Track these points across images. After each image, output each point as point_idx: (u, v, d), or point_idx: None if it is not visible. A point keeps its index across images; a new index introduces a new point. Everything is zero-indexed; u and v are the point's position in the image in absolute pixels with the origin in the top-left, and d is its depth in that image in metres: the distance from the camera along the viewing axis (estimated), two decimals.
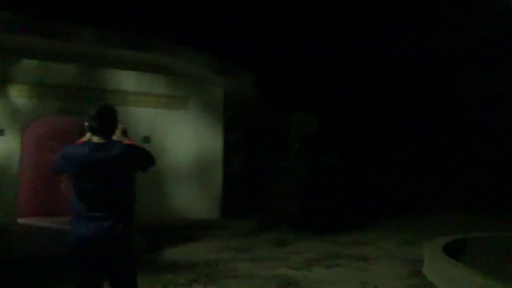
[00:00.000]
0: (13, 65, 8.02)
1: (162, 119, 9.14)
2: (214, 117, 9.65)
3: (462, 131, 13.26)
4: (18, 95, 8.02)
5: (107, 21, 9.58)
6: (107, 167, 2.53)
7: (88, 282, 2.56)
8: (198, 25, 13.56)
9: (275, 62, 13.72)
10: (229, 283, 4.74)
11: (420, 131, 14.01)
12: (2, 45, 7.86)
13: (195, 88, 9.50)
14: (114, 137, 2.73)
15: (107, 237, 2.51)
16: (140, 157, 2.71)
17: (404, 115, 14.20)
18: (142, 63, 8.89)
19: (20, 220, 7.90)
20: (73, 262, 2.57)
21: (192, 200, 9.18)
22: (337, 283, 4.78)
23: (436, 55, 13.66)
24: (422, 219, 10.46)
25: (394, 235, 8.20)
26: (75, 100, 8.31)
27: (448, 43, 12.99)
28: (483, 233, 6.91)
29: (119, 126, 2.78)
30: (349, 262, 5.83)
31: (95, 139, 2.59)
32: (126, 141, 2.79)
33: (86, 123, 2.63)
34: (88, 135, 2.68)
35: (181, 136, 9.27)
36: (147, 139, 8.76)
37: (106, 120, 2.62)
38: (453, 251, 5.33)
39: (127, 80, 8.88)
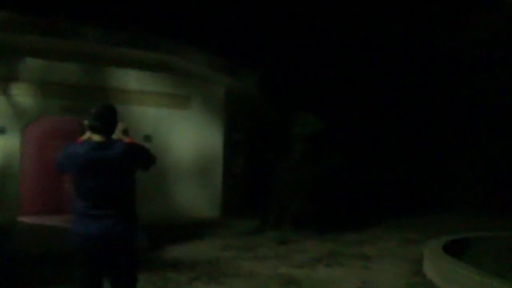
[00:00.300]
0: (15, 63, 8.04)
1: (164, 118, 9.16)
2: (216, 116, 9.66)
3: (465, 131, 13.23)
4: (20, 94, 8.04)
5: (110, 20, 9.58)
6: (108, 165, 2.54)
7: (89, 279, 2.57)
8: (200, 24, 13.56)
9: (278, 61, 13.72)
10: (231, 282, 4.75)
11: (423, 130, 13.99)
12: (5, 43, 7.88)
13: (197, 87, 9.51)
14: (115, 136, 2.75)
15: (109, 236, 2.53)
16: (141, 156, 2.73)
17: (406, 114, 14.19)
18: (144, 62, 8.89)
19: (22, 219, 7.93)
20: (75, 260, 2.59)
21: (194, 199, 9.19)
22: (338, 282, 4.79)
23: (438, 54, 13.63)
24: (423, 218, 10.46)
25: (396, 235, 8.20)
26: (77, 99, 8.32)
27: (451, 42, 12.96)
28: (483, 232, 6.91)
29: (120, 125, 2.80)
30: (350, 261, 5.84)
31: (96, 137, 2.61)
32: (127, 140, 2.81)
33: (86, 122, 2.65)
34: (88, 134, 2.70)
35: (183, 135, 9.28)
36: (148, 138, 8.77)
37: (107, 119, 2.63)
38: (453, 250, 5.33)
39: (129, 79, 8.89)
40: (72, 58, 8.42)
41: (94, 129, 2.61)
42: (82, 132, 2.81)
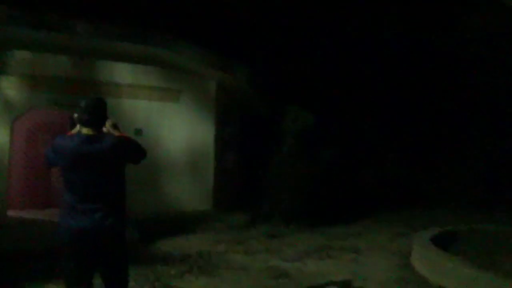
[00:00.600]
0: (3, 56, 7.91)
1: (155, 112, 9.11)
2: (207, 110, 9.64)
3: (456, 126, 13.38)
4: (8, 87, 7.93)
5: (100, 13, 9.46)
6: (97, 159, 2.53)
7: (79, 274, 2.57)
8: (192, 18, 13.47)
9: (269, 55, 13.69)
10: (222, 275, 4.78)
11: (413, 125, 14.11)
12: None
13: (189, 81, 9.47)
14: (105, 130, 2.74)
15: (98, 230, 2.52)
16: (131, 150, 2.72)
17: (398, 109, 14.28)
18: (135, 55, 8.82)
19: (11, 213, 7.85)
20: (63, 254, 2.58)
21: (185, 192, 9.18)
22: (328, 275, 4.84)
23: (435, 48, 13.70)
24: (413, 212, 10.58)
25: (386, 228, 8.29)
26: (67, 92, 8.24)
27: (447, 38, 13.03)
28: (471, 225, 7.02)
29: (110, 119, 2.78)
30: (340, 254, 5.90)
31: (85, 131, 2.59)
32: (117, 134, 2.80)
33: (76, 115, 2.64)
34: (77, 127, 2.68)
35: (174, 129, 9.25)
36: (139, 132, 8.72)
37: (96, 112, 2.62)
38: (442, 242, 5.42)
39: (120, 73, 8.82)
40: (62, 51, 8.32)
41: (83, 123, 2.60)
42: (72, 126, 2.80)
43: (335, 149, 9.67)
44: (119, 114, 8.52)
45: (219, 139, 10.05)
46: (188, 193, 9.22)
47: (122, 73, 8.85)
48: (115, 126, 2.81)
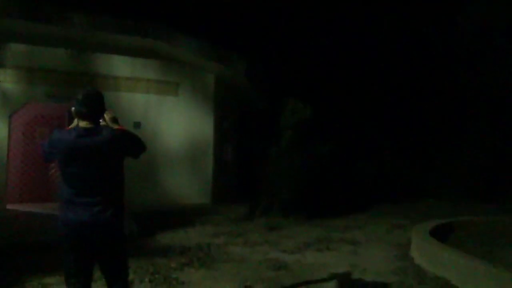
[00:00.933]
0: (0, 49, 7.85)
1: (153, 105, 9.09)
2: (205, 103, 9.61)
3: (452, 119, 13.39)
4: (6, 80, 7.89)
5: (98, 5, 9.40)
6: (95, 152, 2.51)
7: (78, 267, 2.57)
8: (190, 10, 13.37)
9: (267, 48, 13.64)
10: (222, 267, 4.79)
11: (411, 118, 14.12)
12: None
13: (187, 73, 9.43)
14: (104, 123, 2.71)
15: (96, 223, 2.51)
16: (129, 143, 2.69)
17: (395, 102, 14.28)
18: (133, 48, 8.78)
19: (9, 206, 7.85)
20: (62, 247, 2.58)
21: (184, 185, 9.19)
22: (327, 266, 4.86)
23: (433, 41, 13.67)
24: (410, 204, 10.64)
25: (384, 220, 8.34)
26: (65, 85, 8.20)
27: (447, 30, 12.99)
28: (468, 217, 7.07)
29: (110, 114, 2.75)
30: (339, 246, 5.93)
31: (83, 124, 2.57)
32: (116, 128, 2.78)
33: (73, 108, 2.60)
34: (75, 121, 2.65)
35: (172, 121, 9.23)
36: (137, 125, 8.70)
37: (93, 105, 2.59)
38: (440, 234, 5.45)
39: (117, 65, 8.77)
40: (59, 43, 8.27)
41: (81, 115, 2.57)
42: (72, 120, 2.77)
43: (333, 142, 9.68)
44: (117, 107, 8.48)
45: (218, 132, 10.04)
46: (187, 186, 9.23)
47: (120, 66, 8.80)
48: (114, 120, 2.78)
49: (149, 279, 4.27)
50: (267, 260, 5.09)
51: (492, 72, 12.20)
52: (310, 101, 9.44)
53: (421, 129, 13.88)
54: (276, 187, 8.69)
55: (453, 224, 6.44)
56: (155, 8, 12.33)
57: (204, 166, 9.50)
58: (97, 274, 2.76)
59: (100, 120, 2.67)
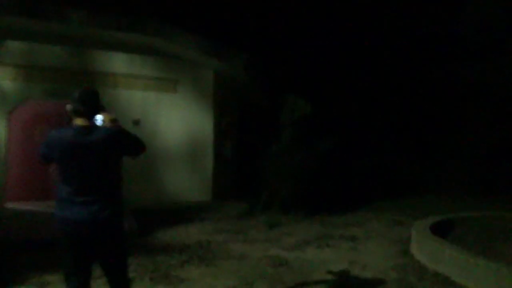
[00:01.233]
0: None
1: (152, 102, 9.06)
2: (204, 100, 9.59)
3: (455, 113, 13.37)
4: (3, 78, 7.85)
5: (96, 2, 9.33)
6: (92, 150, 2.52)
7: (77, 265, 2.58)
8: (188, 7, 13.31)
9: (267, 44, 13.58)
10: (222, 264, 4.79)
11: (410, 114, 14.10)
12: None
13: (185, 70, 9.40)
14: (103, 124, 2.71)
15: (94, 221, 2.52)
16: (126, 141, 2.69)
17: (395, 98, 14.25)
18: (131, 45, 8.74)
19: (8, 204, 7.84)
20: (61, 245, 2.59)
21: (184, 183, 9.18)
22: (328, 263, 4.86)
23: (435, 36, 13.62)
24: (410, 200, 10.63)
25: (384, 216, 8.33)
26: (63, 83, 8.17)
27: (444, 25, 12.95)
28: (468, 213, 7.06)
29: (110, 115, 2.75)
30: (339, 243, 5.93)
31: (79, 121, 2.58)
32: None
33: (69, 106, 2.60)
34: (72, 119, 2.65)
35: (171, 119, 9.21)
36: (137, 122, 8.68)
37: (90, 102, 2.61)
38: (441, 230, 5.45)
39: (116, 62, 8.74)
40: (57, 40, 8.23)
41: (77, 113, 2.58)
42: (71, 120, 2.77)
43: (333, 138, 9.65)
44: (115, 105, 8.47)
45: (218, 129, 10.02)
46: (187, 183, 9.22)
47: (118, 63, 8.77)
48: (114, 121, 2.77)
49: (149, 277, 4.27)
50: (267, 257, 5.09)
51: (492, 65, 12.18)
52: (310, 98, 9.41)
53: (420, 124, 13.87)
54: (276, 184, 8.68)
55: (453, 220, 6.43)
56: (153, 4, 12.27)
57: (204, 163, 9.49)
58: (98, 271, 2.75)
59: (100, 121, 2.67)
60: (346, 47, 14.47)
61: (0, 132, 7.77)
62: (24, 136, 8.98)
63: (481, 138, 12.62)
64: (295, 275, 4.42)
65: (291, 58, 14.07)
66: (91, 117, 2.61)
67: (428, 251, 4.77)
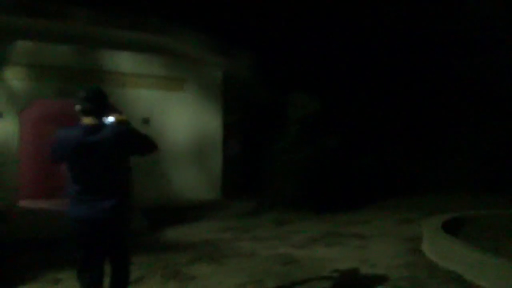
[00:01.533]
0: (6, 47, 7.89)
1: (160, 101, 9.09)
2: (212, 98, 9.60)
3: (463, 110, 13.25)
4: (14, 77, 7.93)
5: (103, 1, 9.38)
6: (101, 148, 2.54)
7: (89, 261, 2.64)
8: (195, 5, 13.32)
9: (274, 41, 13.55)
10: (231, 262, 4.81)
11: (417, 111, 13.99)
12: None
13: (193, 68, 9.41)
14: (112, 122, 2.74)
15: (102, 218, 2.56)
16: (135, 140, 2.70)
17: (401, 95, 14.15)
18: (139, 43, 8.77)
19: (21, 203, 7.93)
20: (73, 243, 2.64)
21: (192, 181, 9.22)
22: (336, 261, 4.85)
23: (437, 33, 13.51)
24: (420, 198, 10.56)
25: (393, 214, 8.29)
26: (72, 82, 8.23)
27: (453, 19, 12.81)
28: (481, 211, 7.00)
29: (121, 116, 2.78)
30: (348, 241, 5.91)
31: (87, 120, 2.60)
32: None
33: (78, 106, 2.61)
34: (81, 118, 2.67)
35: (179, 117, 9.24)
36: (146, 121, 8.73)
37: (98, 100, 2.63)
38: (452, 228, 5.41)
39: (124, 61, 8.78)
40: (67, 40, 8.29)
41: (86, 112, 2.59)
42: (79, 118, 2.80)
43: (340, 136, 9.62)
44: (123, 104, 8.51)
45: (225, 127, 10.03)
46: (196, 181, 9.26)
47: (126, 62, 8.81)
48: (124, 123, 2.78)
49: (160, 274, 4.30)
50: (276, 255, 5.09)
51: (494, 63, 12.05)
52: (315, 96, 9.38)
53: (425, 122, 13.76)
54: (283, 182, 8.69)
55: (464, 218, 6.39)
56: (160, 3, 12.30)
57: (212, 161, 9.51)
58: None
59: (110, 120, 2.69)
60: (350, 45, 14.40)
61: (12, 131, 7.86)
62: (35, 135, 9.09)
63: (485, 136, 12.49)
64: (304, 273, 4.41)
65: (297, 56, 14.03)
66: (99, 116, 2.62)
67: (439, 249, 4.74)
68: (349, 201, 9.46)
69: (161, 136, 8.88)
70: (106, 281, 2.71)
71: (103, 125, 2.62)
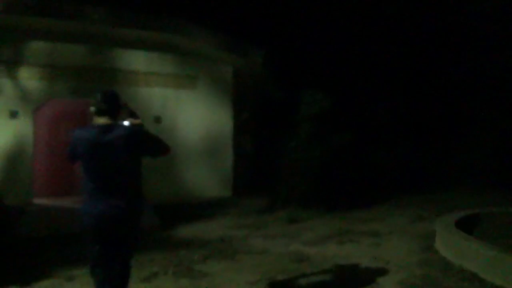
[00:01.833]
0: (23, 47, 8.02)
1: (172, 99, 9.14)
2: (223, 95, 9.62)
3: (478, 107, 13.03)
4: (28, 77, 8.06)
5: (116, 0, 9.45)
6: (113, 147, 2.66)
7: (101, 257, 2.75)
8: (206, 3, 13.34)
9: (285, 39, 13.50)
10: (243, 259, 4.82)
11: (430, 107, 13.81)
12: (11, 26, 7.86)
13: (204, 66, 9.44)
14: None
15: (115, 214, 2.67)
16: (146, 141, 2.82)
17: (415, 92, 13.98)
18: (151, 42, 8.82)
19: (36, 200, 8.07)
20: (87, 238, 2.77)
21: (204, 178, 9.26)
22: (349, 259, 4.83)
23: (450, 28, 13.30)
24: (434, 195, 10.43)
25: (406, 211, 8.20)
26: (85, 81, 8.33)
27: (462, 14, 12.60)
28: (495, 208, 6.88)
29: (135, 120, 2.90)
30: (361, 238, 5.87)
31: (101, 120, 2.73)
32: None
33: (93, 108, 2.76)
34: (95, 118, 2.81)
35: (191, 115, 9.28)
36: (158, 119, 8.79)
37: (112, 101, 2.78)
38: (466, 226, 5.33)
39: (136, 60, 8.85)
40: (78, 39, 8.38)
41: (100, 113, 2.73)
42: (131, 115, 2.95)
43: (352, 133, 9.54)
44: (136, 102, 8.59)
45: (237, 124, 10.05)
46: (207, 179, 9.29)
47: (138, 60, 8.88)
48: (139, 126, 2.90)
49: (172, 271, 4.33)
50: (288, 252, 5.09)
51: (508, 56, 11.79)
52: (328, 92, 9.31)
53: (440, 118, 13.57)
54: (295, 179, 8.65)
55: (478, 215, 6.29)
56: (172, 2, 12.34)
57: (224, 158, 9.54)
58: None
59: (125, 123, 2.83)
60: (361, 42, 14.27)
61: (27, 130, 7.99)
62: (49, 134, 9.23)
63: (499, 132, 12.25)
64: (316, 270, 4.40)
65: (308, 53, 13.95)
66: (112, 116, 2.75)
67: (454, 246, 4.67)
68: (361, 199, 9.39)
69: (173, 134, 8.94)
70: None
71: (116, 125, 2.73)
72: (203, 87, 9.42)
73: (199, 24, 8.96)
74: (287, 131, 9.40)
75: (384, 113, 13.86)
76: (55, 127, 9.34)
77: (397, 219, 7.43)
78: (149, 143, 2.83)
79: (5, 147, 7.82)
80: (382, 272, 4.33)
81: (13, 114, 7.88)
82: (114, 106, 2.77)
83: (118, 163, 2.67)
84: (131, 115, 2.91)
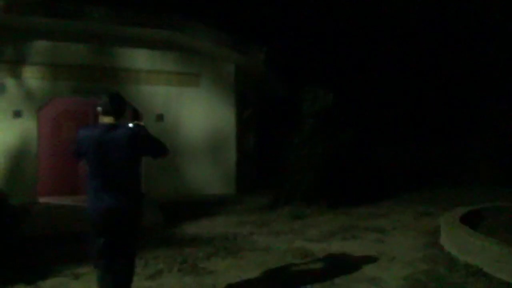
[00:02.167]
0: (25, 46, 8.04)
1: (175, 97, 9.14)
2: (226, 93, 9.61)
3: (481, 103, 12.96)
4: (32, 76, 8.08)
5: None
6: (118, 145, 2.83)
7: (107, 250, 2.89)
8: (209, 0, 13.32)
9: (287, 36, 13.47)
10: (248, 256, 4.83)
11: (434, 104, 13.75)
12: (13, 26, 7.88)
13: (207, 64, 9.43)
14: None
15: (120, 208, 2.85)
16: (148, 141, 2.99)
17: (418, 88, 13.92)
18: (152, 40, 8.82)
19: (41, 199, 8.11)
20: (91, 233, 2.92)
21: (207, 176, 9.27)
22: (353, 255, 4.82)
23: (450, 24, 13.22)
24: (437, 191, 10.41)
25: (410, 207, 8.19)
26: (88, 80, 8.35)
27: (477, 9, 12.51)
28: (500, 203, 6.86)
29: (138, 123, 3.04)
30: (365, 234, 5.87)
31: (107, 120, 2.92)
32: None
33: (99, 108, 2.95)
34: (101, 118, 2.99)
35: (194, 113, 9.28)
36: (160, 117, 8.79)
37: (118, 102, 2.98)
38: (470, 221, 5.32)
39: (138, 58, 8.85)
40: (80, 38, 8.39)
41: (107, 112, 2.92)
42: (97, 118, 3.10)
43: (355, 129, 9.52)
44: (138, 101, 8.59)
45: (240, 122, 10.04)
46: (211, 176, 9.30)
47: (141, 59, 8.88)
48: (142, 128, 3.04)
49: (177, 269, 4.34)
50: (292, 249, 5.09)
51: None
52: (330, 89, 9.29)
53: (444, 114, 13.51)
54: (298, 176, 8.64)
55: (483, 211, 6.27)
56: None
57: (227, 156, 9.54)
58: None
59: (130, 125, 2.98)
60: (365, 39, 14.21)
61: (31, 129, 8.02)
62: (52, 132, 9.25)
63: (504, 128, 12.19)
64: (321, 267, 4.40)
65: (311, 50, 13.92)
66: (117, 116, 2.93)
67: (459, 242, 4.66)
68: (366, 195, 9.38)
69: (176, 131, 8.95)
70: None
71: (121, 125, 2.92)
72: (206, 85, 9.41)
73: (200, 21, 8.94)
74: (290, 128, 9.39)
75: (388, 109, 13.82)
76: (59, 126, 9.37)
77: (401, 215, 7.42)
78: (150, 145, 3.00)
79: (10, 147, 7.86)
80: (387, 268, 4.33)
81: (17, 114, 7.91)
82: (120, 107, 2.96)
83: (120, 160, 2.83)
84: (135, 118, 3.09)
